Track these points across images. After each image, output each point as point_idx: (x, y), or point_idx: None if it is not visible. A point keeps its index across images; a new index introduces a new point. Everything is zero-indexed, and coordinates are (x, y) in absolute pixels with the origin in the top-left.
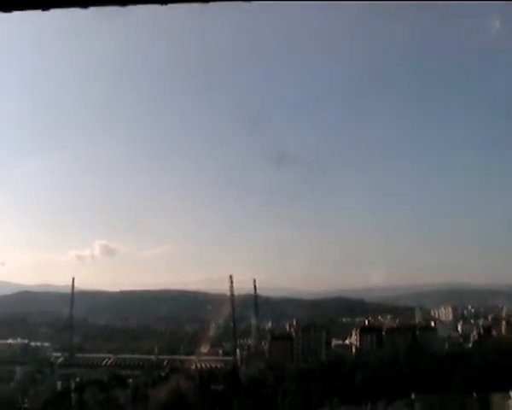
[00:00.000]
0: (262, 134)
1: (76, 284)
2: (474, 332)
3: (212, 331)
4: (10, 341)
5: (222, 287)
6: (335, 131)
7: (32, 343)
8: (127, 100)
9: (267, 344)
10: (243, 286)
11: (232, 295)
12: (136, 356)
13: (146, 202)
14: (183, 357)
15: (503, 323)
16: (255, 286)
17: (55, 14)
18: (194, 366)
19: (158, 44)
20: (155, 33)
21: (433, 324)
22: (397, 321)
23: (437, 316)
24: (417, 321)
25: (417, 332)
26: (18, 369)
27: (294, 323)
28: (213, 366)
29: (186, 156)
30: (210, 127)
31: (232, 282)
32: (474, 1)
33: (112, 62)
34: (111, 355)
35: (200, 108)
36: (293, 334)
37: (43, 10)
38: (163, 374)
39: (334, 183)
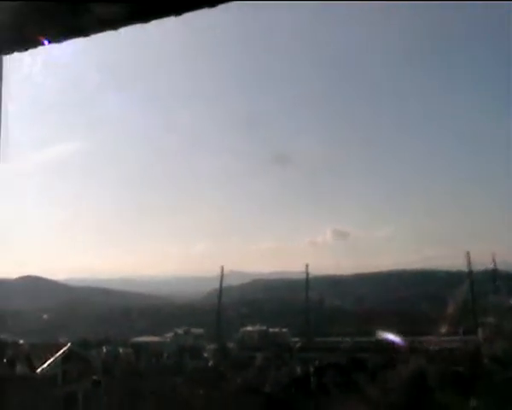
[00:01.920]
0: None
1: (309, 270)
2: None
3: (449, 310)
4: (249, 328)
5: (455, 263)
6: None
7: (271, 330)
8: None
9: (510, 322)
10: (478, 261)
11: (470, 271)
12: (373, 339)
13: (371, 183)
14: (420, 338)
15: None
16: (494, 261)
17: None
18: (432, 347)
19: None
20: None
21: None
22: None
23: None
24: None
25: None
26: (258, 355)
27: None
28: (453, 346)
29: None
30: None
31: (469, 257)
32: None
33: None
34: (348, 338)
35: None
36: None
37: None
38: (402, 356)
39: None
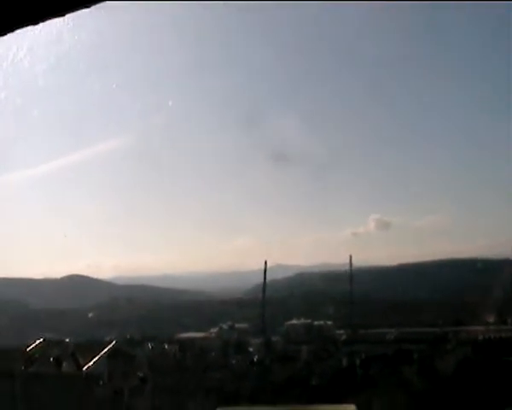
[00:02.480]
0: None
1: (353, 262)
2: None
3: (496, 299)
4: (294, 321)
5: (503, 252)
6: None
7: (315, 322)
8: None
9: None
10: None
11: None
12: (419, 329)
13: (412, 172)
14: (468, 328)
15: None
16: None
17: None
18: (481, 337)
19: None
20: None
21: None
22: None
23: None
24: None
25: None
26: (303, 348)
27: None
28: (502, 335)
29: None
30: None
31: None
32: None
33: None
34: (393, 330)
35: None
36: None
37: None
38: (449, 346)
39: None
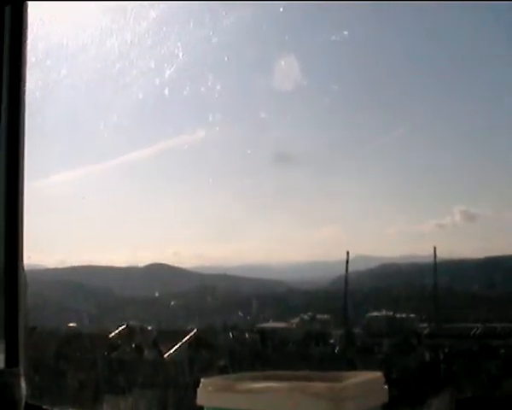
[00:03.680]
0: None
1: (438, 254)
2: None
3: None
4: (376, 313)
5: None
6: None
7: (398, 315)
8: None
9: None
10: None
11: None
12: (507, 324)
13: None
14: None
15: None
16: None
17: None
18: None
19: None
20: None
21: None
22: None
23: None
24: None
25: None
26: (384, 341)
27: None
28: None
29: None
30: None
31: None
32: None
33: None
34: (478, 324)
35: None
36: None
37: None
38: None
39: None
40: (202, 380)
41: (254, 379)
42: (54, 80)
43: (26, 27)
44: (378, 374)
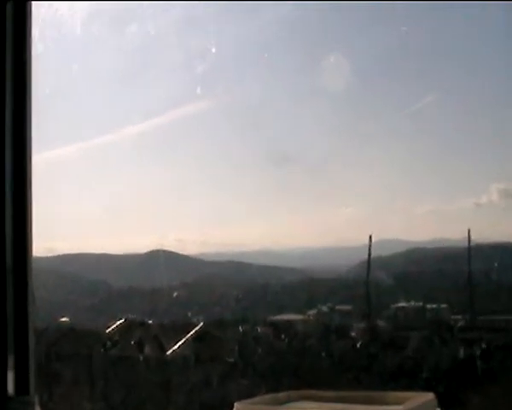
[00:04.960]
0: None
1: (473, 237)
2: None
3: None
4: (403, 304)
5: None
6: None
7: (428, 306)
8: None
9: None
10: None
11: None
12: None
13: None
14: None
15: None
16: None
17: None
18: None
19: None
20: None
21: None
22: None
23: None
24: None
25: None
26: (413, 334)
27: None
28: None
29: None
30: None
31: None
32: None
33: None
34: None
35: None
36: None
37: None
38: None
39: None
40: (236, 405)
41: (291, 400)
42: None
43: (31, 16)
44: (430, 396)
